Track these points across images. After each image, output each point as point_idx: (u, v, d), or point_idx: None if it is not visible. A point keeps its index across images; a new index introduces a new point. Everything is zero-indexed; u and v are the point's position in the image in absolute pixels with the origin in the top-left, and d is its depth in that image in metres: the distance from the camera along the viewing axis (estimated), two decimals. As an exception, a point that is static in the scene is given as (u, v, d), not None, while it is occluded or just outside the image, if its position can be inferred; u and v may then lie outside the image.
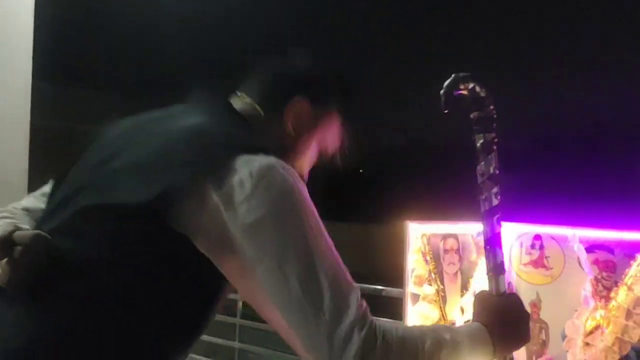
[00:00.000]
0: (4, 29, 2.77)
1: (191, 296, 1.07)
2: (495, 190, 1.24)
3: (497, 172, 1.24)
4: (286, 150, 1.22)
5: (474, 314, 1.24)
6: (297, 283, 0.97)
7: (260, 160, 1.02)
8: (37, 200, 1.26)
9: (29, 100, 2.85)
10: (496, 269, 1.26)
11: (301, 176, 1.21)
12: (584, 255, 1.81)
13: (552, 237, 1.88)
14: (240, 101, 1.25)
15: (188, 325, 1.10)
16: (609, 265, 1.79)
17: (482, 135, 1.23)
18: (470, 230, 1.97)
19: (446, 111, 1.22)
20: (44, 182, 1.25)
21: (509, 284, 1.96)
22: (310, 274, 0.98)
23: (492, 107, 1.23)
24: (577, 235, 1.83)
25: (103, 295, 1.01)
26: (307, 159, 1.31)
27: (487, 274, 1.27)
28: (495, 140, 1.24)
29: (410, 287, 1.99)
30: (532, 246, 1.92)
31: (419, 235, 1.98)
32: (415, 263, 1.98)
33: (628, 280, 1.74)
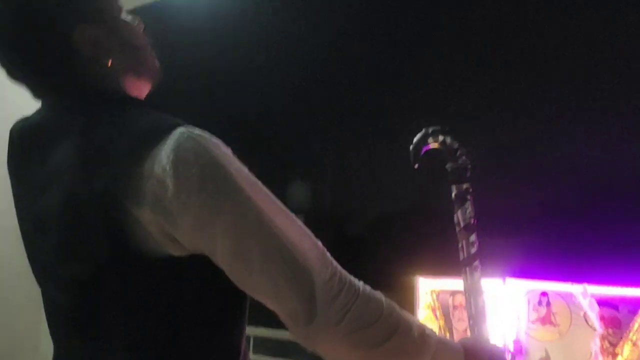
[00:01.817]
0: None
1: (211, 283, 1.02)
2: (472, 238, 1.29)
3: (474, 221, 1.30)
4: (126, 71, 1.11)
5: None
6: (258, 254, 0.94)
7: (165, 149, 0.92)
8: None
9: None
10: (478, 316, 1.29)
11: (156, 70, 1.17)
12: (596, 309, 1.84)
13: (559, 294, 1.92)
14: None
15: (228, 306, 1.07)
16: (614, 322, 1.81)
17: (456, 186, 1.30)
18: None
19: (416, 166, 1.26)
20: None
21: (517, 341, 2.00)
22: (267, 245, 0.94)
23: (464, 157, 1.29)
24: (587, 289, 1.86)
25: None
26: (143, 54, 1.15)
27: (469, 321, 1.30)
28: (470, 190, 1.29)
29: (421, 343, 2.03)
30: (539, 303, 1.96)
31: (428, 291, 2.05)
32: (425, 319, 2.04)
33: (633, 336, 1.76)
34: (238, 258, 0.95)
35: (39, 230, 1.04)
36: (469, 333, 2.01)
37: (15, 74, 1.06)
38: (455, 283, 2.04)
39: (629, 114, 1.98)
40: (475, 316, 1.29)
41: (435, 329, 2.03)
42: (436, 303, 2.03)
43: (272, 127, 2.86)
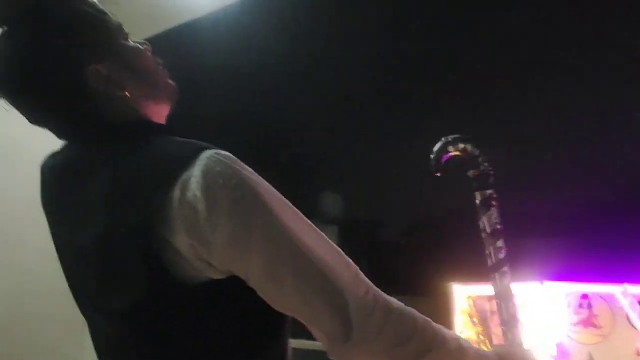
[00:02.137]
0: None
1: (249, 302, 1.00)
2: (499, 244, 1.27)
3: (499, 226, 1.28)
4: (143, 98, 1.11)
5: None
6: (291, 275, 0.93)
7: (194, 174, 0.93)
8: None
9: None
10: (509, 321, 1.27)
11: (172, 89, 1.16)
12: (637, 309, 1.79)
13: (600, 296, 1.87)
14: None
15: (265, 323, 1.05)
16: (658, 321, 1.76)
17: (479, 192, 1.28)
18: (516, 290, 1.99)
19: (438, 174, 1.26)
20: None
21: (560, 344, 1.95)
22: (299, 260, 0.94)
23: (486, 163, 1.28)
24: (628, 289, 1.81)
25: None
26: (162, 82, 1.16)
27: (501, 327, 1.29)
28: (494, 196, 1.27)
29: (460, 350, 2.01)
30: (580, 305, 1.92)
31: (464, 297, 2.02)
32: (462, 325, 2.01)
33: (678, 335, 1.71)
34: (269, 277, 0.94)
35: (79, 264, 1.06)
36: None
37: (36, 120, 1.08)
38: (491, 288, 2.01)
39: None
40: (507, 321, 1.27)
41: (473, 335, 2.00)
42: (473, 309, 2.00)
43: (304, 139, 2.88)
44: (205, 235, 0.92)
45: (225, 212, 0.91)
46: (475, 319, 2.00)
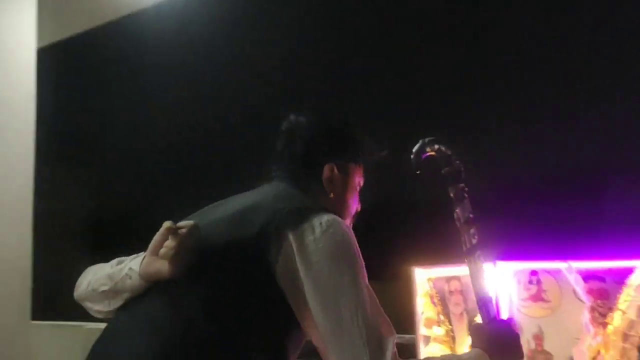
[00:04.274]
0: (6, 118, 3.05)
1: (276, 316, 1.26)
2: (472, 231, 1.42)
3: (472, 216, 1.41)
4: (333, 209, 1.40)
5: (472, 343, 1.39)
6: (349, 315, 1.17)
7: (327, 216, 1.26)
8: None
9: (31, 184, 3.07)
10: (483, 299, 1.41)
11: (353, 215, 1.53)
12: (581, 284, 1.94)
13: (547, 272, 2.01)
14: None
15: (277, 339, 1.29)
16: (602, 293, 1.91)
17: (453, 187, 1.42)
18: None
19: (418, 172, 1.44)
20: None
21: (511, 318, 2.09)
22: (360, 310, 1.17)
23: (458, 161, 1.43)
24: (573, 266, 1.96)
25: (217, 299, 1.24)
26: (349, 213, 1.53)
27: (477, 304, 1.42)
28: (465, 189, 1.43)
29: (422, 330, 2.12)
30: (530, 282, 2.05)
31: (425, 279, 2.14)
32: (424, 306, 2.12)
33: (621, 304, 1.86)
34: (328, 310, 1.19)
35: (216, 221, 1.35)
36: (465, 316, 2.11)
37: (280, 157, 1.50)
38: (449, 270, 2.13)
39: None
40: (480, 299, 1.40)
41: (433, 315, 2.12)
42: (433, 290, 2.12)
43: (250, 132, 2.93)
44: (306, 244, 1.22)
45: (328, 252, 1.21)
46: (435, 300, 2.11)
